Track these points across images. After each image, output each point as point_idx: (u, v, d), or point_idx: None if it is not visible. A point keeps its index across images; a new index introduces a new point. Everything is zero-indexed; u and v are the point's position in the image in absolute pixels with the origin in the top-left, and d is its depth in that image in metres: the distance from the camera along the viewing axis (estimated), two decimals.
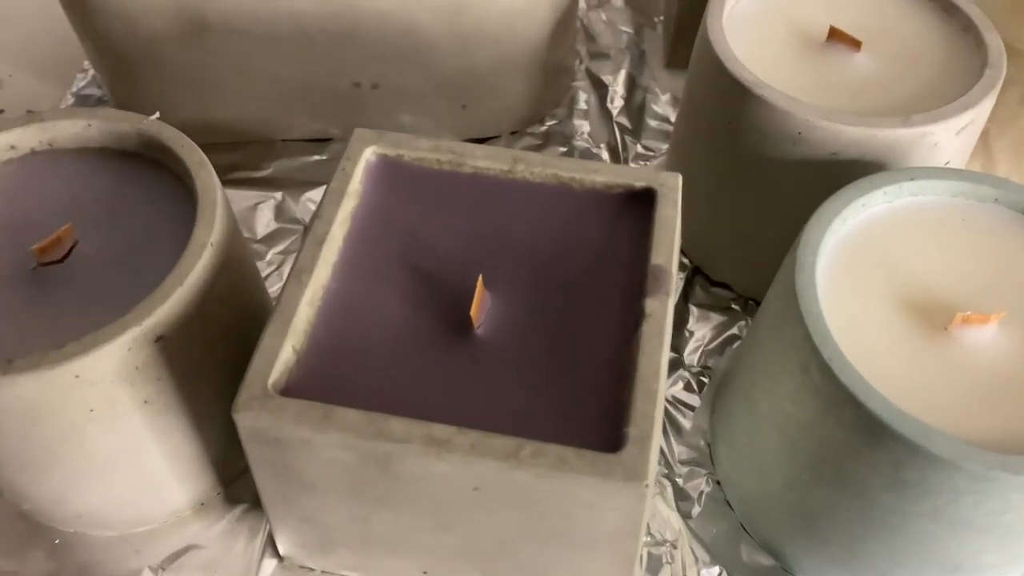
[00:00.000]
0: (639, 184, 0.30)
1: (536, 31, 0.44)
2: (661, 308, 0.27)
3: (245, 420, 0.25)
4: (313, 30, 0.41)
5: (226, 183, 0.45)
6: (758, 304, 0.41)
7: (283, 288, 0.28)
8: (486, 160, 0.31)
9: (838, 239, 0.30)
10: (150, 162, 0.33)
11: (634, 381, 0.25)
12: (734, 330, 0.40)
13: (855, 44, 0.36)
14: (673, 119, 0.49)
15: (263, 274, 0.42)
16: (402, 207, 0.31)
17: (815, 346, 0.27)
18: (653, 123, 0.48)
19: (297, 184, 0.45)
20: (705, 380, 0.38)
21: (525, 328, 0.28)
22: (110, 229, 0.32)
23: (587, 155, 0.47)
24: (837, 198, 0.30)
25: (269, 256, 0.43)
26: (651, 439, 0.24)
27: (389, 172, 0.31)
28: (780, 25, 0.38)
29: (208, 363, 0.30)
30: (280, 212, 0.44)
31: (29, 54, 0.52)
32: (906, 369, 0.27)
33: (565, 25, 0.45)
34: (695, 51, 0.38)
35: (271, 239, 0.43)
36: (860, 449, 0.26)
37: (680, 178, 0.30)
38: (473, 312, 0.27)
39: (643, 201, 0.30)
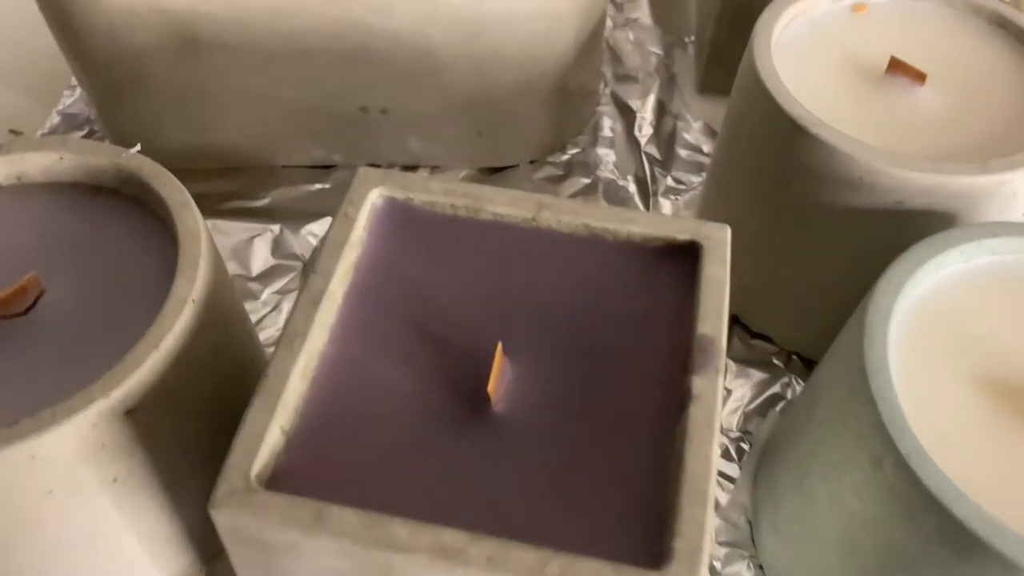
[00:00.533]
0: (682, 237, 0.27)
1: (559, 54, 0.40)
2: (710, 389, 0.23)
3: (223, 518, 0.21)
4: (316, 51, 0.37)
5: (220, 213, 0.42)
6: (802, 359, 0.37)
7: (272, 356, 0.24)
8: (507, 206, 0.27)
9: (910, 306, 0.26)
10: (129, 199, 0.30)
11: (680, 480, 0.22)
12: (776, 388, 0.36)
13: (919, 77, 0.32)
14: (706, 149, 0.45)
15: (258, 316, 0.38)
16: (411, 259, 0.27)
17: (890, 438, 0.23)
18: (684, 153, 0.45)
19: (297, 215, 0.42)
20: (745, 447, 0.34)
21: (550, 406, 0.24)
22: (82, 275, 0.28)
23: (613, 187, 0.43)
24: (908, 258, 0.26)
25: (264, 295, 0.39)
26: (701, 553, 0.20)
27: (397, 218, 0.28)
28: (834, 53, 0.34)
29: (187, 434, 0.27)
30: (278, 246, 0.41)
31: (14, 68, 0.49)
32: (994, 465, 0.23)
33: (590, 47, 0.42)
34: (739, 81, 0.34)
35: (267, 276, 0.40)
36: (942, 560, 0.22)
37: (728, 231, 0.27)
38: (491, 387, 0.24)
39: (686, 256, 0.27)
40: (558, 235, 0.27)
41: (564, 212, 0.27)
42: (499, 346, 0.24)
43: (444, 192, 0.28)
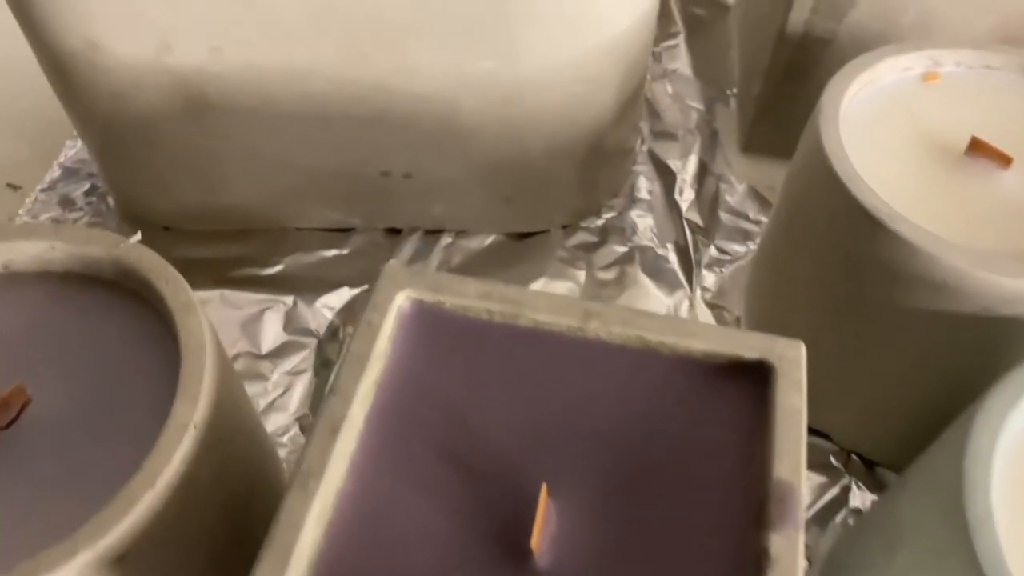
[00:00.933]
0: (749, 355, 0.23)
1: (597, 116, 0.37)
2: (790, 549, 0.20)
3: None
4: (334, 114, 0.34)
5: (230, 282, 0.39)
6: (864, 461, 0.34)
7: (285, 498, 0.21)
8: (550, 313, 0.24)
9: (1011, 442, 0.23)
10: (127, 292, 0.27)
11: None
12: (835, 490, 0.33)
13: (1004, 160, 0.29)
14: (752, 214, 0.42)
15: (267, 399, 0.35)
16: (442, 374, 0.24)
17: None
18: (728, 219, 0.42)
19: (311, 285, 0.39)
20: (806, 562, 0.31)
21: (601, 558, 0.21)
22: (73, 379, 0.25)
23: (652, 257, 0.40)
24: (1008, 386, 0.23)
25: (275, 376, 0.36)
26: None
27: (426, 325, 0.25)
28: (906, 129, 0.31)
29: (187, 573, 0.24)
30: (291, 320, 0.38)
31: (12, 113, 0.46)
32: None
33: (630, 106, 0.39)
34: (803, 157, 0.31)
35: (279, 354, 0.37)
36: None
37: (803, 350, 0.24)
38: (534, 541, 0.20)
39: (755, 377, 0.23)
40: (608, 347, 0.24)
41: (615, 321, 0.24)
42: (543, 490, 0.21)
43: (479, 295, 0.25)
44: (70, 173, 0.43)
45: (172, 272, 0.25)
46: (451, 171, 0.37)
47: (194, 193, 0.39)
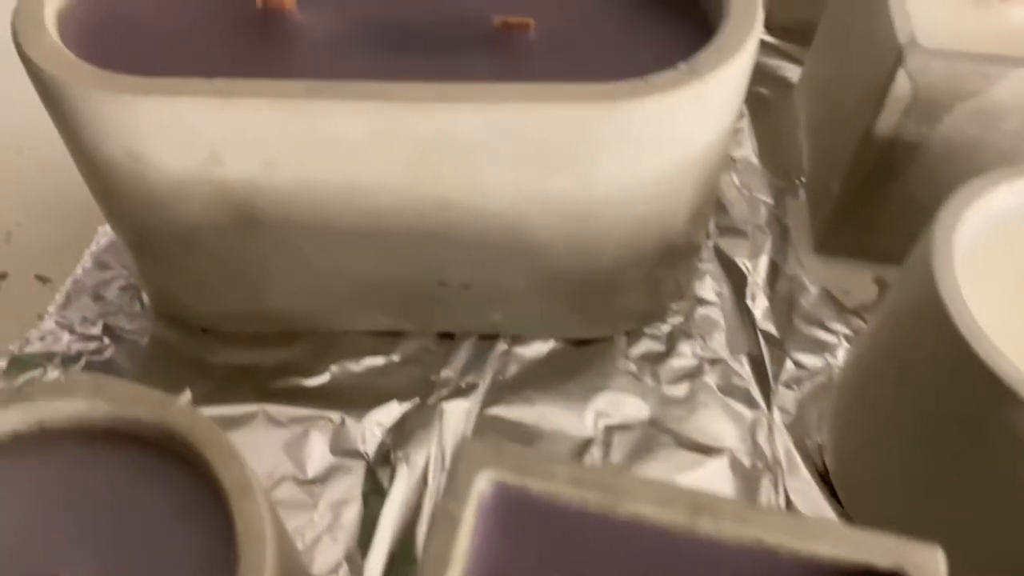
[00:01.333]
0: (882, 564, 0.21)
1: (669, 226, 0.34)
2: None
3: None
4: (395, 228, 0.32)
5: (273, 395, 0.36)
6: None
7: None
8: (652, 504, 0.22)
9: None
10: (174, 455, 0.24)
11: None
12: None
13: None
14: (827, 321, 0.39)
15: (313, 534, 0.33)
16: (527, 572, 0.21)
17: None
18: (804, 327, 0.39)
19: (360, 398, 0.36)
20: None
21: None
22: (109, 556, 0.23)
23: (724, 371, 0.37)
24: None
25: (320, 506, 0.33)
26: None
27: (509, 512, 0.22)
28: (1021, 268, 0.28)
29: None
30: (338, 439, 0.35)
31: (41, 197, 0.44)
32: None
33: (703, 210, 0.36)
34: (908, 294, 0.29)
35: (325, 479, 0.34)
36: None
37: (941, 559, 0.21)
38: None
39: None
40: (719, 547, 0.21)
41: (727, 517, 0.21)
42: None
43: (570, 479, 0.22)
44: (102, 267, 0.40)
45: (226, 443, 0.23)
46: (513, 283, 0.35)
47: (236, 298, 0.36)
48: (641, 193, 0.31)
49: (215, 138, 0.29)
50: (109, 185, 0.32)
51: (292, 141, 0.29)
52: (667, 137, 0.30)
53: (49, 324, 0.38)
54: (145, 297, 0.39)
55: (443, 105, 0.28)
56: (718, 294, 0.40)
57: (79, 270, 0.40)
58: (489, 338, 0.38)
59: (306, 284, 0.35)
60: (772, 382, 0.37)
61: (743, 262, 0.41)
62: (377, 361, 0.37)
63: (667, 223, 0.34)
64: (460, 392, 0.36)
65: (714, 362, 0.38)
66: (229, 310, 0.37)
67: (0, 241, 0.42)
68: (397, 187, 0.30)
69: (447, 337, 0.38)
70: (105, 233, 0.42)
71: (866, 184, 0.38)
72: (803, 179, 0.45)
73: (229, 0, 0.33)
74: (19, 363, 0.36)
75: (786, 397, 0.36)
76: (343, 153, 0.29)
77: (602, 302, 0.37)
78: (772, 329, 0.39)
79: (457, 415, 0.35)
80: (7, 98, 0.45)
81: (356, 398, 0.36)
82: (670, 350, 0.38)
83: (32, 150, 0.45)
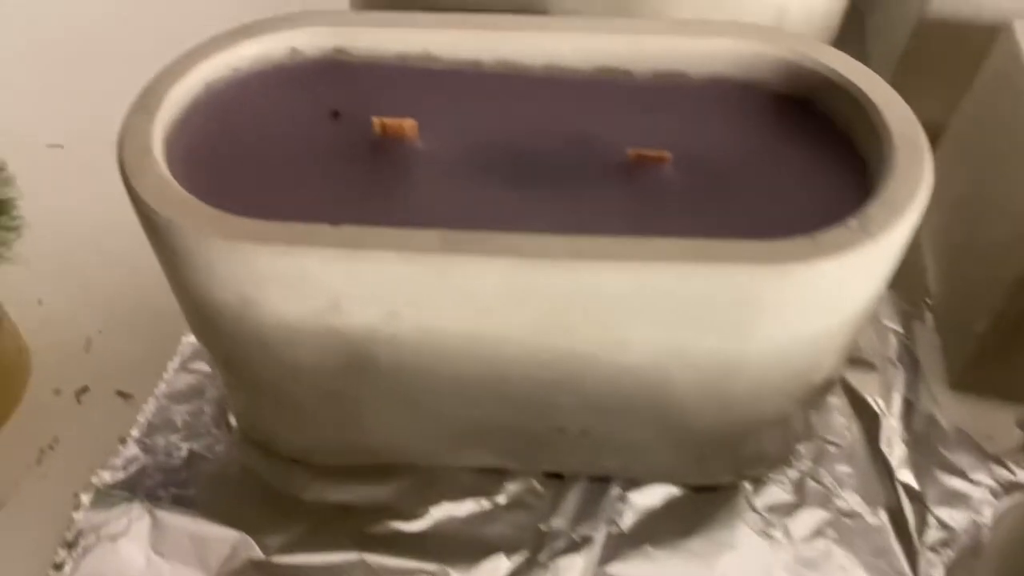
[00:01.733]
0: None
1: (818, 374, 0.31)
2: None
3: None
4: (517, 377, 0.29)
5: (369, 542, 0.33)
6: None
7: None
8: None
9: None
10: None
11: None
12: None
13: None
14: (968, 470, 0.36)
15: None
16: None
17: None
18: (944, 479, 0.35)
19: (462, 549, 0.33)
20: None
21: None
22: None
23: (862, 528, 0.34)
24: None
25: None
26: None
27: None
28: None
29: None
30: None
31: (121, 305, 0.42)
32: None
33: (843, 353, 0.33)
34: None
35: None
36: None
37: None
38: None
39: None
40: None
41: None
42: None
43: None
44: (186, 382, 0.38)
45: None
46: (641, 433, 0.32)
47: (333, 432, 0.34)
48: (790, 352, 0.28)
49: (337, 288, 0.27)
50: (215, 325, 0.30)
51: (419, 293, 0.27)
52: (832, 298, 0.27)
53: (132, 450, 0.36)
54: (232, 419, 0.37)
55: (582, 263, 0.25)
56: (848, 432, 0.37)
57: (162, 383, 0.38)
58: (600, 479, 0.35)
59: (411, 423, 0.33)
60: (919, 536, 0.34)
61: (874, 399, 0.38)
62: (480, 504, 0.35)
63: (815, 371, 0.31)
64: (574, 547, 0.33)
65: (851, 517, 0.34)
66: (323, 441, 0.35)
67: (79, 350, 0.40)
68: (527, 339, 0.28)
69: (554, 477, 0.35)
70: (192, 344, 0.39)
71: (1019, 328, 0.35)
72: (928, 300, 0.42)
73: (344, 124, 0.31)
74: (103, 498, 0.34)
75: (934, 564, 0.33)
76: (471, 305, 0.27)
77: (732, 451, 0.34)
78: (911, 480, 0.35)
79: (573, 575, 0.33)
80: (86, 191, 0.43)
81: (457, 550, 0.33)
82: (800, 501, 0.35)
83: (112, 246, 0.43)
